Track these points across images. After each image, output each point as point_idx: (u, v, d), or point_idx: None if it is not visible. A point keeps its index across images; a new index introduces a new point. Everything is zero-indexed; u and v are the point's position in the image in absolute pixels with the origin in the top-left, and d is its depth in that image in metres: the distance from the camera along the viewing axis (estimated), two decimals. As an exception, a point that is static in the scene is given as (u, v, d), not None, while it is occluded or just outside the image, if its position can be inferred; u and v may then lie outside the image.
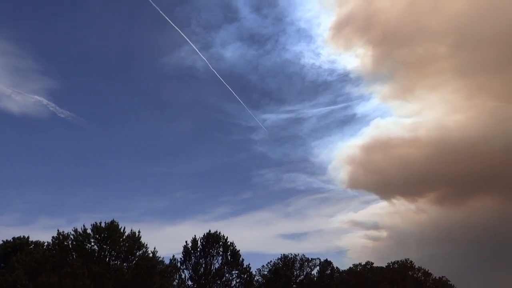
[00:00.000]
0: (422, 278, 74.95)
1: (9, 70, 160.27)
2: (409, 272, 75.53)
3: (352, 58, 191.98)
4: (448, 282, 75.22)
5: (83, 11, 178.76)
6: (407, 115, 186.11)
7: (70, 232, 39.45)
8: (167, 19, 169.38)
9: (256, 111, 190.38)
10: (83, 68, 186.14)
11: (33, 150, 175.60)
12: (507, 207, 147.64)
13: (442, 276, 75.83)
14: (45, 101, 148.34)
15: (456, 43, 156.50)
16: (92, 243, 39.50)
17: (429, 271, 76.09)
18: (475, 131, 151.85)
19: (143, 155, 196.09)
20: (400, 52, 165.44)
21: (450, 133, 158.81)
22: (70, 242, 39.19)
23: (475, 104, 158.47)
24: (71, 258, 38.03)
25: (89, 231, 39.60)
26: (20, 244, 49.75)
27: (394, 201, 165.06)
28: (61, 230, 39.57)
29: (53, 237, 39.68)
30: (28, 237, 51.73)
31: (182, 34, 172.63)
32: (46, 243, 44.64)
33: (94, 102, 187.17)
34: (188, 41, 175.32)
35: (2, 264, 48.26)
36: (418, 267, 76.55)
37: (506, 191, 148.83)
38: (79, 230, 39.55)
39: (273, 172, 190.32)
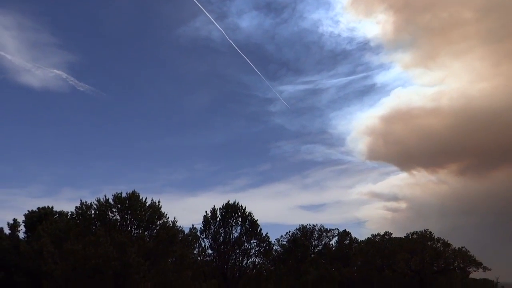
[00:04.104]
0: (441, 248, 74.47)
1: (28, 45, 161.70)
2: (428, 243, 75.08)
3: (373, 25, 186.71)
4: (468, 253, 74.48)
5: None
6: (429, 84, 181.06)
7: (93, 202, 40.15)
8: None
9: (274, 82, 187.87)
10: (100, 41, 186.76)
11: (56, 124, 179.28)
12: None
13: (462, 247, 75.07)
14: (64, 75, 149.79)
15: (483, 8, 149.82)
16: (115, 213, 40.17)
17: (448, 242, 75.47)
18: (501, 100, 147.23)
19: (162, 127, 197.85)
20: (423, 18, 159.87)
21: (474, 102, 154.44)
22: (93, 211, 39.92)
23: (502, 71, 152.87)
24: (94, 227, 38.85)
25: (111, 201, 40.19)
26: (45, 213, 51.17)
27: (414, 172, 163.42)
28: (84, 201, 40.33)
29: (76, 207, 40.47)
30: (52, 207, 53.10)
31: (198, 3, 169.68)
32: (69, 213, 45.69)
33: (112, 75, 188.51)
34: (204, 10, 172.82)
35: (28, 233, 49.87)
36: (438, 237, 75.92)
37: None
38: (102, 200, 40.20)
39: (291, 143, 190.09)
